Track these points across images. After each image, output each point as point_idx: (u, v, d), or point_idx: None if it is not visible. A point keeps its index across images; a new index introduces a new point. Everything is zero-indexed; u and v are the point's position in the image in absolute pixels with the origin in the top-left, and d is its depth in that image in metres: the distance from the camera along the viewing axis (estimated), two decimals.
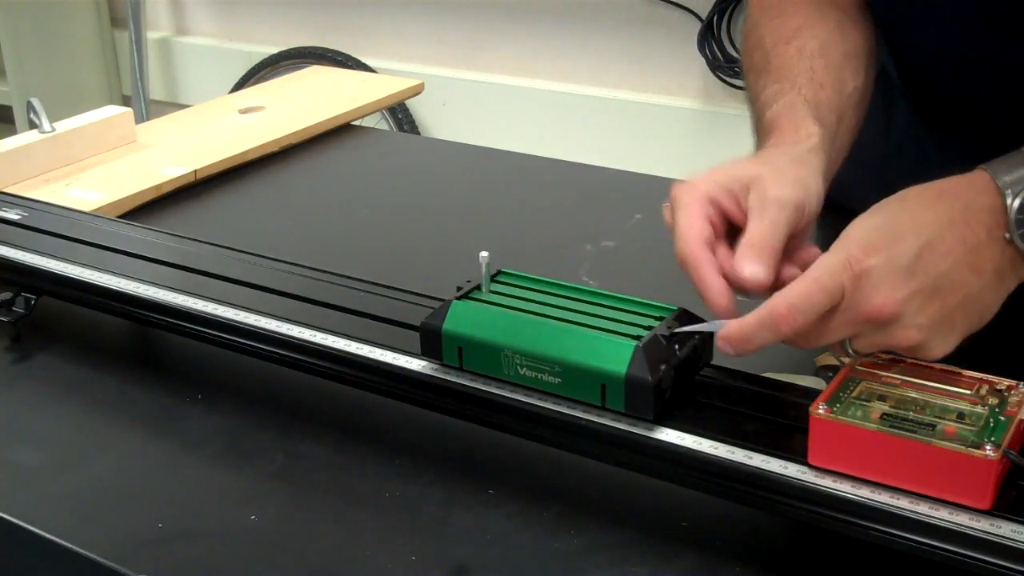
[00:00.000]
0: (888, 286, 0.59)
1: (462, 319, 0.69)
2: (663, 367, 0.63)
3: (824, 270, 0.60)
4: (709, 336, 0.67)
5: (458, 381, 0.69)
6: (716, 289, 0.63)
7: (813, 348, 0.63)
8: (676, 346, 0.65)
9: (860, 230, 0.62)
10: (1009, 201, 0.61)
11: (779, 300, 0.60)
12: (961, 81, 0.87)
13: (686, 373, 0.66)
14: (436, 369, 0.70)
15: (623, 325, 0.66)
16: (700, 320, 0.66)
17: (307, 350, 0.75)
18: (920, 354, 0.61)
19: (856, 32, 0.83)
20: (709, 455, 0.62)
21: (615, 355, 0.64)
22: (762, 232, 0.63)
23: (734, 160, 0.69)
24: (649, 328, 0.65)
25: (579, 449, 0.67)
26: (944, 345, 0.61)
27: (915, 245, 0.60)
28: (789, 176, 0.66)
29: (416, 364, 0.71)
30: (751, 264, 0.62)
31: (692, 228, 0.64)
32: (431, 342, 0.70)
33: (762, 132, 0.75)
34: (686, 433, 0.63)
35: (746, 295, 0.63)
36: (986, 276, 0.61)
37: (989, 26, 0.81)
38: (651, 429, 0.64)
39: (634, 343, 0.64)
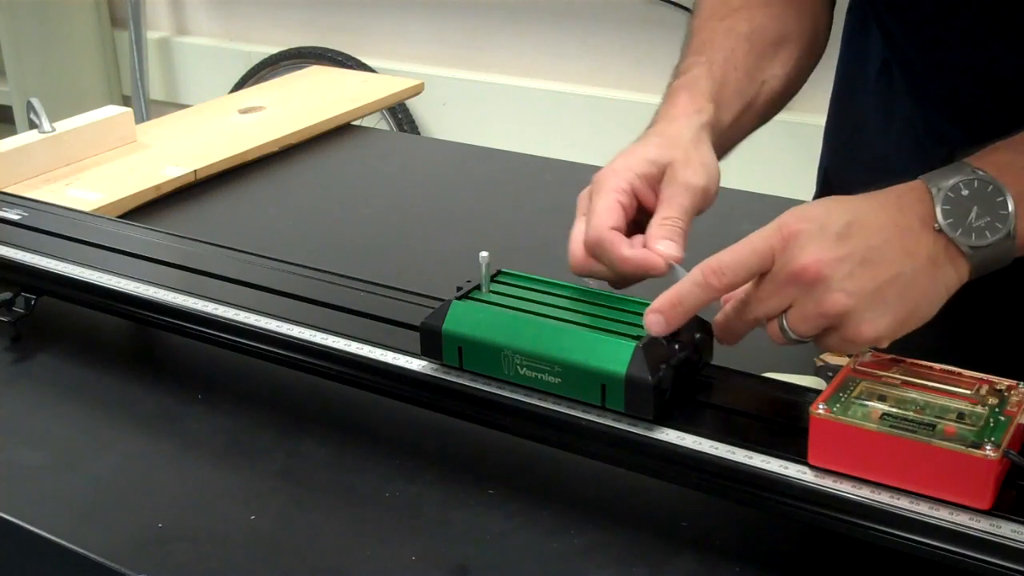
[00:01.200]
0: (816, 247, 0.61)
1: (462, 319, 0.69)
2: (663, 367, 0.63)
3: (757, 234, 0.63)
4: (709, 336, 0.67)
5: (458, 381, 0.69)
6: (634, 257, 0.67)
7: (784, 345, 0.64)
8: (676, 346, 0.65)
9: (797, 207, 0.64)
10: (935, 193, 0.63)
11: (711, 259, 0.63)
12: (957, 86, 0.87)
13: (686, 373, 0.66)
14: (436, 369, 0.70)
15: (623, 325, 0.66)
16: (701, 321, 0.66)
17: (307, 350, 0.75)
18: (852, 330, 0.61)
19: (799, 19, 0.86)
20: (709, 455, 0.62)
21: (615, 355, 0.64)
22: (673, 213, 0.69)
23: (646, 143, 0.74)
24: None
25: (579, 449, 0.67)
26: (876, 322, 0.61)
27: (847, 217, 0.62)
28: (695, 162, 0.71)
29: (416, 364, 0.71)
30: (664, 240, 0.68)
31: (604, 213, 0.69)
32: (431, 342, 0.70)
33: (666, 97, 0.80)
34: (686, 433, 0.63)
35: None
36: (920, 260, 0.62)
37: (982, 34, 0.82)
38: (651, 429, 0.64)
39: (634, 343, 0.64)
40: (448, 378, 0.69)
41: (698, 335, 0.66)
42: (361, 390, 0.74)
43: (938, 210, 0.62)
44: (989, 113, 0.86)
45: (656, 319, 0.63)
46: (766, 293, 0.63)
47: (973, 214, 0.62)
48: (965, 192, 0.62)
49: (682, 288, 0.63)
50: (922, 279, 0.62)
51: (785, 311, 0.63)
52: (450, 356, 0.69)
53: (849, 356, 0.64)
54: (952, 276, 0.63)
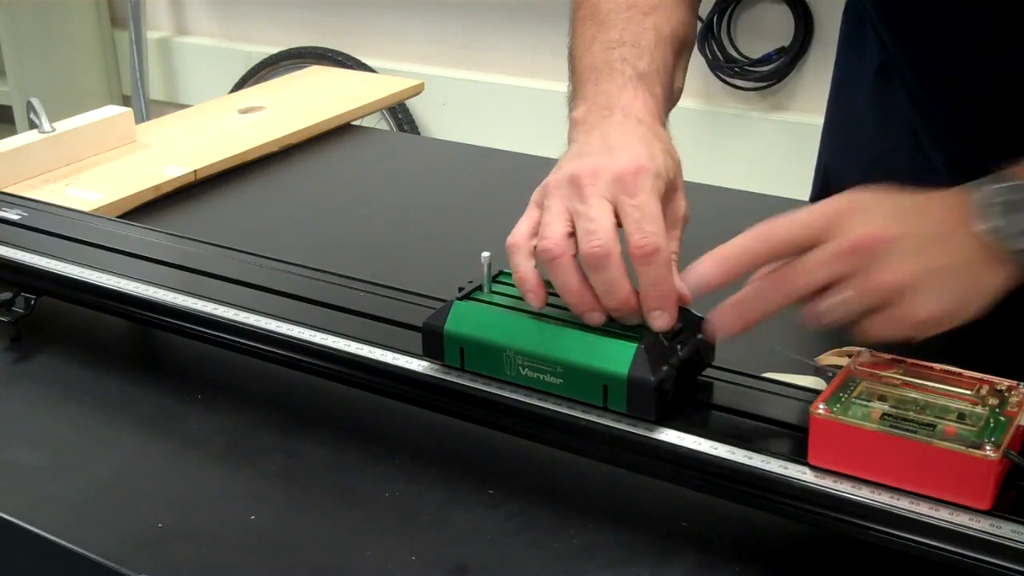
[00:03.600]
0: (880, 220, 0.61)
1: (464, 320, 0.69)
2: (665, 368, 0.63)
3: (809, 207, 0.63)
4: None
5: (460, 382, 0.69)
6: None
7: (821, 321, 0.63)
8: (678, 347, 0.65)
9: (844, 192, 0.64)
10: (976, 198, 0.64)
11: (758, 225, 0.63)
12: (958, 101, 0.87)
13: (688, 373, 0.66)
14: (438, 370, 0.70)
15: (624, 326, 0.66)
16: (699, 317, 0.66)
17: (307, 350, 0.75)
18: (906, 308, 0.61)
19: (693, 22, 0.87)
20: (709, 455, 0.62)
21: (617, 356, 0.64)
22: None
23: (653, 144, 0.70)
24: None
25: (580, 449, 0.67)
26: (930, 304, 0.61)
27: (903, 203, 0.63)
28: (682, 186, 0.71)
29: (417, 365, 0.71)
30: (657, 312, 0.64)
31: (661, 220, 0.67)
32: (433, 342, 0.70)
33: (631, 79, 0.77)
34: (687, 433, 0.63)
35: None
36: (966, 255, 0.62)
37: (985, 49, 0.82)
38: (652, 430, 0.64)
39: (636, 344, 0.64)
40: (450, 379, 0.69)
41: (699, 336, 0.66)
42: (361, 390, 0.74)
43: (981, 215, 0.63)
44: (992, 128, 0.86)
45: (709, 267, 0.63)
46: (816, 263, 0.61)
47: (1015, 219, 0.63)
48: (1006, 198, 0.63)
49: (735, 247, 0.63)
50: (970, 276, 0.62)
51: (829, 287, 0.61)
52: (452, 357, 0.69)
53: (847, 356, 0.64)
54: (999, 278, 0.63)
